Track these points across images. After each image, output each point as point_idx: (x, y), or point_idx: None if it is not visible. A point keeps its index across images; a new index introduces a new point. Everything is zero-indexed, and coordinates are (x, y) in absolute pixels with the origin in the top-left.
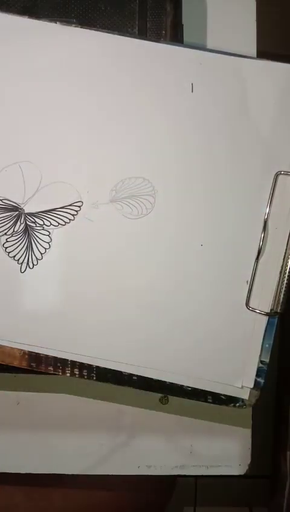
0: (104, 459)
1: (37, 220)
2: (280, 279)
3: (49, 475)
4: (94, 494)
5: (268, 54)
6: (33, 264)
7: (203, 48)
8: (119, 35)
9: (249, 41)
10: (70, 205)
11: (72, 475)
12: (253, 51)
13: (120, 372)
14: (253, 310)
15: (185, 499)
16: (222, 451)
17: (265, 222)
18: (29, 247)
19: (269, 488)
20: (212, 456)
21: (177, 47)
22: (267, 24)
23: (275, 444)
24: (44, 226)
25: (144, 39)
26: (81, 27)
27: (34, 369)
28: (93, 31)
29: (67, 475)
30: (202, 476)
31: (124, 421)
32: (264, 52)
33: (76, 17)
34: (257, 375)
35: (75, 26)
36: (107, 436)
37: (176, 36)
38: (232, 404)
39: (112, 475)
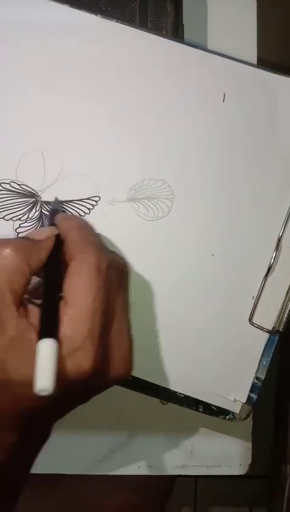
0: (104, 459)
1: None
2: (286, 299)
3: (50, 475)
4: (94, 493)
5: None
6: None
7: (239, 60)
8: (159, 35)
9: (249, 42)
10: (87, 199)
11: (72, 475)
12: (254, 51)
13: None
14: (256, 326)
15: (185, 499)
16: (222, 451)
17: (279, 240)
18: None
19: (269, 488)
20: (212, 456)
21: (215, 55)
22: (267, 24)
23: (275, 444)
24: None
25: (184, 43)
26: (121, 23)
27: None
28: (131, 28)
29: (68, 475)
30: (202, 476)
31: (124, 421)
32: (265, 50)
33: None
34: (251, 390)
35: (116, 22)
36: (107, 436)
37: (176, 36)
38: (222, 416)
39: (112, 475)
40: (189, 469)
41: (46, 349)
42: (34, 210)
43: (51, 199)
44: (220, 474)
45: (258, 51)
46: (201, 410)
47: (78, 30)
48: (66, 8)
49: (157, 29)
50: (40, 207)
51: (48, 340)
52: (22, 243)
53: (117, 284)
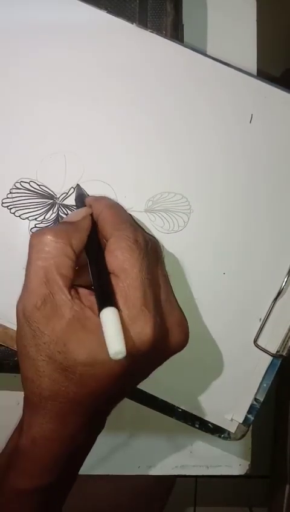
0: (104, 459)
1: (69, 212)
2: None
3: None
4: (94, 493)
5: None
6: None
7: (270, 83)
8: (192, 49)
9: (249, 42)
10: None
11: None
12: (253, 52)
13: None
14: (260, 348)
15: (185, 499)
16: (222, 451)
17: None
18: None
19: (269, 488)
20: (212, 456)
21: (247, 75)
22: (268, 24)
23: (275, 444)
24: None
25: (217, 60)
26: (156, 33)
27: None
28: (164, 39)
29: None
30: (202, 476)
31: (124, 421)
32: (264, 52)
33: None
34: (249, 411)
35: (150, 32)
36: (107, 436)
37: (176, 36)
38: (217, 434)
39: (112, 475)
40: (189, 469)
41: (109, 316)
42: (51, 212)
43: (69, 203)
44: (220, 474)
45: (258, 43)
46: (197, 426)
47: (112, 36)
48: (103, 14)
49: (157, 29)
50: (58, 209)
51: (109, 309)
52: (61, 227)
53: (154, 257)
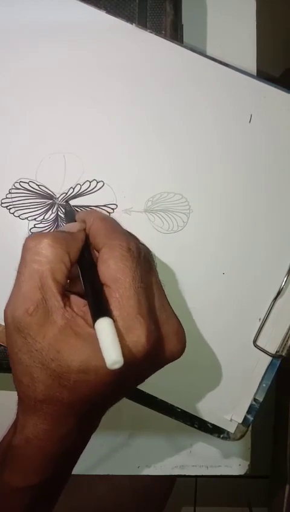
0: (104, 459)
1: None
2: None
3: None
4: (94, 493)
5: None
6: None
7: (270, 83)
8: (192, 49)
9: (249, 42)
10: (104, 205)
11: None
12: (253, 52)
13: None
14: (259, 348)
15: (185, 499)
16: (221, 451)
17: None
18: None
19: (269, 488)
20: (212, 456)
21: (246, 75)
22: (268, 24)
23: (275, 444)
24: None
25: (217, 60)
26: (155, 34)
27: None
28: (163, 39)
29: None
30: (202, 476)
31: (124, 421)
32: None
33: None
34: (248, 412)
35: (150, 32)
36: (107, 436)
37: (176, 37)
38: (216, 435)
39: (113, 475)
40: (188, 469)
41: (105, 326)
42: (50, 212)
43: (68, 202)
44: (219, 474)
45: (258, 52)
46: (196, 426)
47: (112, 36)
48: (103, 14)
49: (156, 29)
50: (57, 209)
51: (104, 319)
52: (60, 234)
53: (147, 265)
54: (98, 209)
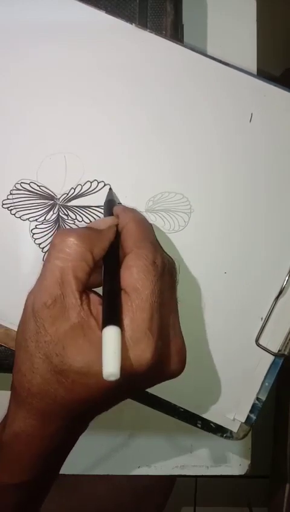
0: (104, 459)
1: (70, 213)
2: None
3: None
4: (94, 493)
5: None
6: None
7: (269, 82)
8: (192, 49)
9: (249, 41)
10: None
11: (72, 475)
12: (253, 52)
13: None
14: (261, 347)
15: (185, 499)
16: (222, 451)
17: None
18: None
19: (269, 488)
20: (212, 456)
21: (246, 75)
22: (268, 24)
23: (275, 444)
24: (76, 220)
25: (217, 60)
26: (155, 34)
27: None
28: (164, 39)
29: (68, 475)
30: (202, 476)
31: (124, 421)
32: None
33: None
34: (251, 411)
35: (150, 32)
36: (107, 436)
37: (176, 37)
38: (219, 434)
39: (112, 475)
40: (189, 469)
41: (111, 335)
42: (51, 212)
43: (70, 203)
44: (220, 474)
45: (258, 52)
46: (199, 426)
47: (112, 36)
48: (103, 14)
49: (156, 29)
50: (58, 210)
51: (113, 327)
52: (86, 232)
53: (169, 281)
54: (98, 211)
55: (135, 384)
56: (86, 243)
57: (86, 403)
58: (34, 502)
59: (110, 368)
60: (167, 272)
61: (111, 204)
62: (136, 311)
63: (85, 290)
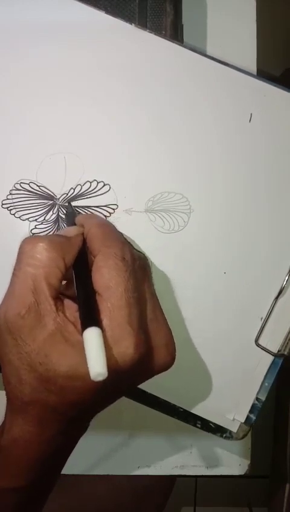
0: (104, 459)
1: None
2: None
3: None
4: (94, 493)
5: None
6: None
7: (269, 82)
8: (192, 49)
9: (249, 42)
10: (105, 206)
11: (72, 475)
12: (253, 52)
13: None
14: (261, 348)
15: (185, 499)
16: (222, 451)
17: None
18: None
19: (269, 488)
20: (212, 456)
21: (246, 75)
22: (267, 24)
23: (275, 444)
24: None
25: (217, 60)
26: (155, 34)
27: None
28: (164, 39)
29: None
30: (202, 476)
31: (124, 421)
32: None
33: None
34: (251, 411)
35: (149, 32)
36: (107, 436)
37: (176, 37)
38: (219, 434)
39: (112, 475)
40: (189, 469)
41: (93, 336)
42: (51, 212)
43: (70, 204)
44: (220, 474)
45: (258, 52)
46: (199, 426)
47: (112, 37)
48: (102, 14)
49: (156, 29)
50: (58, 210)
51: (93, 329)
52: (56, 239)
53: (141, 274)
54: (98, 211)
55: (124, 381)
56: (58, 249)
57: (78, 406)
58: (34, 505)
59: (97, 368)
60: (138, 267)
61: (72, 216)
62: (113, 309)
63: (59, 296)
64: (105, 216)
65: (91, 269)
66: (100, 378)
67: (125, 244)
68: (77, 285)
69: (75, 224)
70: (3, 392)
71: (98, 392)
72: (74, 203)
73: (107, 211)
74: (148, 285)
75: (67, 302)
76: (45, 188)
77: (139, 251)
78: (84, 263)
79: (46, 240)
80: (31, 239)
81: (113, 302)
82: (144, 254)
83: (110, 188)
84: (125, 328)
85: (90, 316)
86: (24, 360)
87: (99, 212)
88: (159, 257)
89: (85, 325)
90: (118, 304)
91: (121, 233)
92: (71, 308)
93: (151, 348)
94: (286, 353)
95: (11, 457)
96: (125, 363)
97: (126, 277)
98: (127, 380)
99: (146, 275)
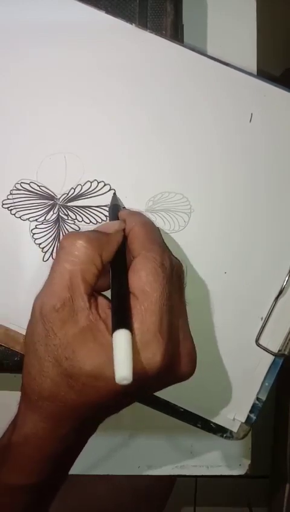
0: (104, 459)
1: (70, 213)
2: None
3: None
4: (94, 493)
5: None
6: None
7: (269, 81)
8: (192, 49)
9: (249, 42)
10: (105, 205)
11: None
12: (253, 52)
13: None
14: (261, 347)
15: (185, 499)
16: (222, 451)
17: None
18: (57, 238)
19: (269, 488)
20: (212, 456)
21: (246, 75)
22: (267, 24)
23: (275, 444)
24: (76, 220)
25: (217, 60)
26: (155, 34)
27: None
28: (164, 39)
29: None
30: (202, 476)
31: (124, 421)
32: (264, 52)
33: None
34: (251, 411)
35: (150, 32)
36: (107, 436)
37: (176, 37)
38: (219, 434)
39: (112, 475)
40: (189, 469)
41: (122, 339)
42: (51, 212)
43: (70, 203)
44: (220, 474)
45: (258, 52)
46: (199, 426)
47: (112, 36)
48: (103, 14)
49: (156, 29)
50: (58, 210)
51: (123, 331)
52: (95, 235)
53: (177, 283)
54: (98, 211)
55: (145, 387)
56: (95, 246)
57: (97, 406)
58: (43, 503)
59: (123, 371)
60: (175, 274)
61: (116, 209)
62: (145, 314)
63: (93, 293)
64: (106, 216)
65: (128, 268)
66: (125, 383)
67: (165, 249)
68: (112, 283)
69: (117, 218)
70: (4, 393)
71: (119, 395)
72: (74, 203)
73: (107, 211)
74: (181, 293)
75: (101, 300)
76: (45, 188)
77: (176, 258)
78: (122, 261)
79: (85, 236)
80: (71, 235)
81: (147, 307)
82: (180, 262)
83: (110, 188)
84: (155, 334)
85: (122, 317)
86: (51, 353)
87: (100, 211)
88: None
89: (116, 326)
90: (151, 309)
91: (160, 234)
92: (105, 305)
93: (176, 357)
94: (286, 353)
95: (23, 454)
96: (151, 370)
97: (163, 284)
98: (148, 386)
99: (181, 283)
